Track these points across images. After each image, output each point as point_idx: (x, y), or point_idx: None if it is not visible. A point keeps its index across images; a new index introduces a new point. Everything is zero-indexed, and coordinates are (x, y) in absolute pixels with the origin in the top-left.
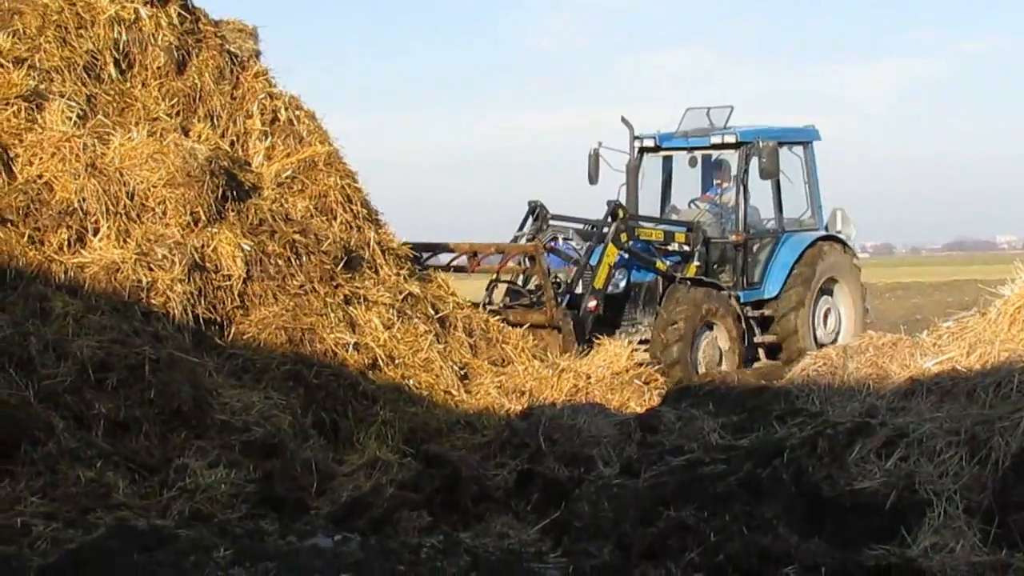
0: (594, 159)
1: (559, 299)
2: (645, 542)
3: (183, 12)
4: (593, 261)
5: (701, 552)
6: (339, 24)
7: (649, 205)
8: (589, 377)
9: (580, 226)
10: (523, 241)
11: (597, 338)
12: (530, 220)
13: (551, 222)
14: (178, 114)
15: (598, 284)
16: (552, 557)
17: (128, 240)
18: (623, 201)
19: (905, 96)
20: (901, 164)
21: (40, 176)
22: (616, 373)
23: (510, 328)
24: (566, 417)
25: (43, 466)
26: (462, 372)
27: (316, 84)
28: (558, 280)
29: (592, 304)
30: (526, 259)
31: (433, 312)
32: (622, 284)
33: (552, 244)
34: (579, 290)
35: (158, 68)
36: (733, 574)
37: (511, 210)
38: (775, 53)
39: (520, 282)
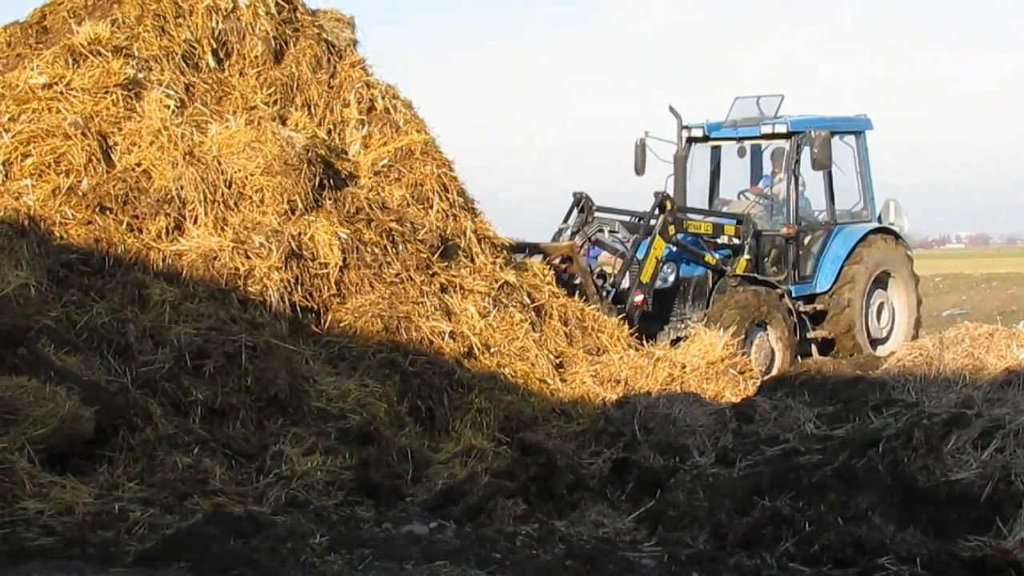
0: (641, 149)
1: (604, 293)
2: (740, 532)
3: (280, 1)
4: (640, 254)
5: (796, 542)
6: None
7: (696, 196)
8: (684, 366)
9: (626, 218)
10: (567, 234)
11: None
12: (575, 212)
13: (597, 214)
14: (275, 103)
15: (645, 278)
16: (647, 546)
17: (225, 228)
18: (670, 192)
19: (1002, 86)
20: (996, 153)
21: (139, 164)
22: (711, 363)
23: (605, 317)
24: (661, 406)
25: (141, 452)
26: (557, 361)
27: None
28: (603, 273)
29: (639, 298)
30: (564, 259)
31: (529, 301)
32: (671, 278)
33: (598, 236)
34: (626, 284)
35: (256, 57)
36: (828, 564)
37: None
38: (877, 40)
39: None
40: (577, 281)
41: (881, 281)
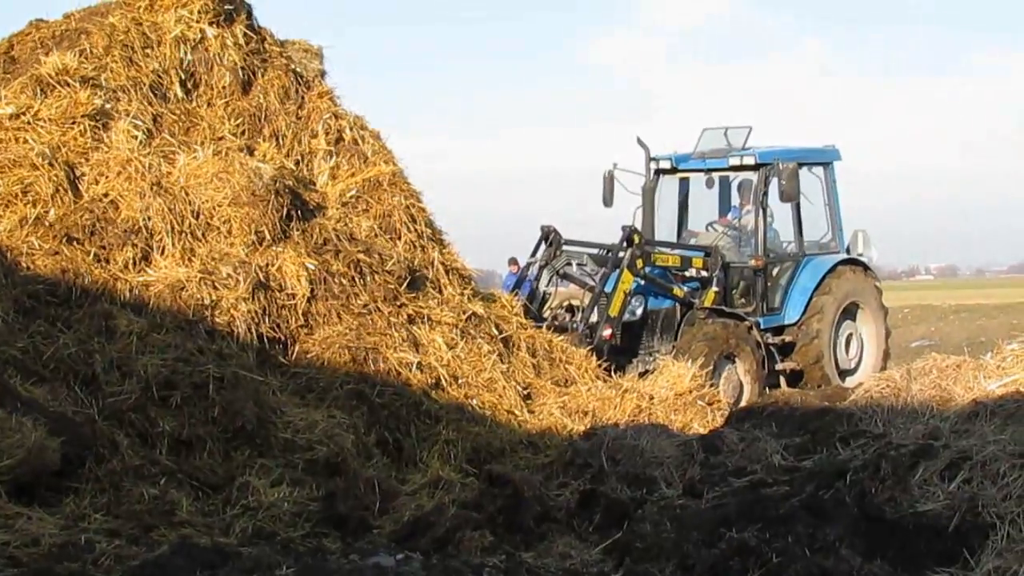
0: (609, 181)
1: (573, 326)
2: (707, 563)
3: (249, 32)
4: (608, 288)
5: (763, 574)
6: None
7: (665, 228)
8: (652, 398)
9: (594, 251)
10: (535, 268)
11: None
12: (543, 246)
13: (564, 247)
14: (243, 133)
15: (613, 312)
16: None
17: (193, 259)
18: (639, 224)
19: (971, 118)
20: (966, 185)
21: (106, 195)
22: (679, 394)
23: (574, 349)
24: (629, 438)
25: (107, 483)
26: (525, 392)
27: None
28: (572, 307)
29: (607, 333)
30: None
31: (497, 332)
32: (639, 311)
33: (566, 270)
34: (595, 318)
35: (223, 88)
36: None
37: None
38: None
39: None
40: (547, 312)
41: (850, 312)
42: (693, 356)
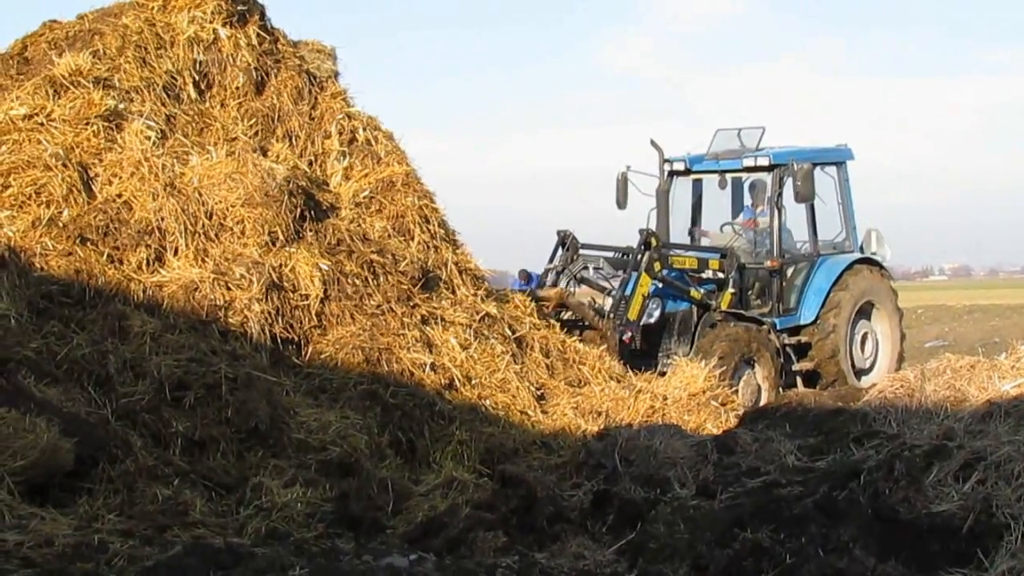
0: (622, 183)
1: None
2: (721, 564)
3: (262, 33)
4: (627, 291)
5: (777, 574)
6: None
7: (677, 228)
8: (666, 398)
9: (611, 254)
10: (552, 276)
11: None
12: (560, 251)
13: (581, 251)
14: (256, 134)
15: (632, 316)
16: None
17: (206, 259)
18: (653, 226)
19: (983, 117)
20: (979, 186)
21: (119, 195)
22: (693, 394)
23: (587, 349)
24: (642, 438)
25: (121, 484)
26: (539, 392)
27: (394, 105)
28: (595, 304)
29: (627, 337)
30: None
31: (510, 332)
32: (656, 314)
33: (583, 274)
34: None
35: (237, 88)
36: None
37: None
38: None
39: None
40: (569, 316)
41: (865, 312)
42: (714, 355)
